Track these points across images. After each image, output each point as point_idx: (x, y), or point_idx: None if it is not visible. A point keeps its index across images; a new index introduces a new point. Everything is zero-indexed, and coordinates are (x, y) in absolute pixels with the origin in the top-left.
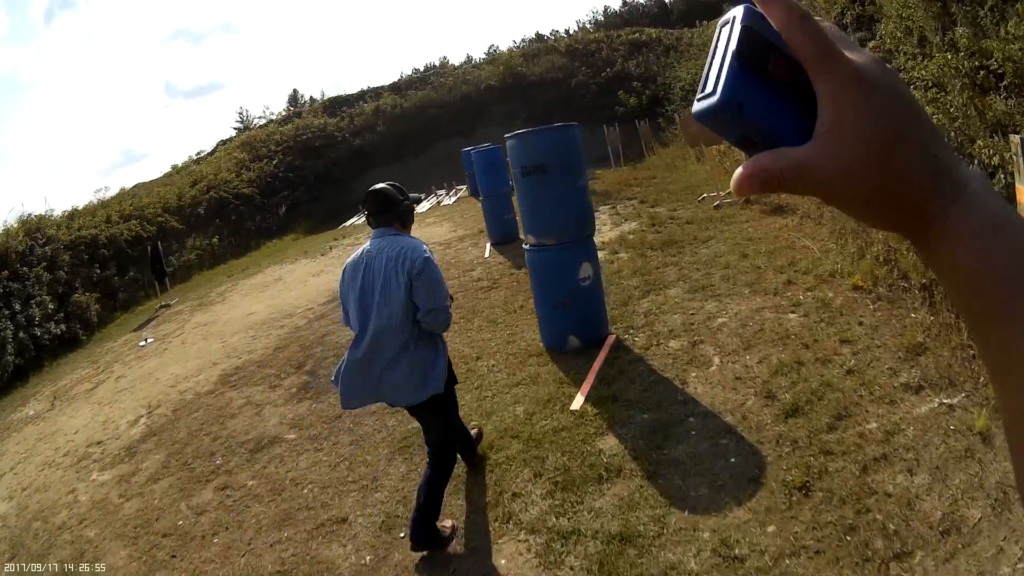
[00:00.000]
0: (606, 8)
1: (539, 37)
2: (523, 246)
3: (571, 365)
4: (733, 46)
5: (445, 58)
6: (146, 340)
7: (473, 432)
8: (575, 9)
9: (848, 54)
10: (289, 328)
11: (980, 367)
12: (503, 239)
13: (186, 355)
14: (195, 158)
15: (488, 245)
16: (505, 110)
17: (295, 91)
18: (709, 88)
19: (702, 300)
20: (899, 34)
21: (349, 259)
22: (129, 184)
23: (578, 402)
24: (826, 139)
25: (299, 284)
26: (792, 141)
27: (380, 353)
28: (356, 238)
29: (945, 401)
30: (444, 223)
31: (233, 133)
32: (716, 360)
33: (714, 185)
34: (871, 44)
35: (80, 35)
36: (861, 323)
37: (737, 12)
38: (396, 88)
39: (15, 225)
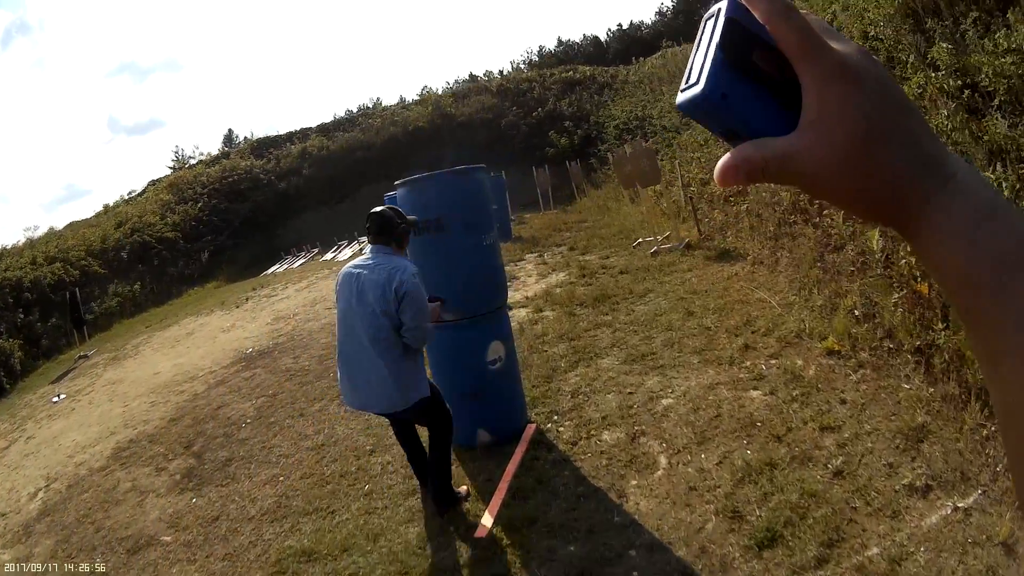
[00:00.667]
0: (541, 48)
1: (472, 78)
2: None
3: (481, 467)
4: (717, 38)
5: (378, 99)
6: (59, 396)
7: (461, 491)
8: (510, 50)
9: (833, 44)
10: (188, 395)
11: (996, 450)
12: None
13: (89, 419)
14: (126, 198)
15: None
16: (433, 153)
17: (230, 131)
18: (693, 79)
19: (642, 373)
20: None
21: (347, 266)
22: (63, 222)
23: (486, 524)
24: (811, 130)
25: (208, 340)
26: (777, 132)
27: (365, 363)
28: (274, 288)
29: (959, 504)
30: (330, 279)
31: (168, 172)
32: (663, 460)
33: (650, 228)
34: None
35: (33, 62)
36: (844, 400)
37: (722, 4)
38: (324, 129)
39: None
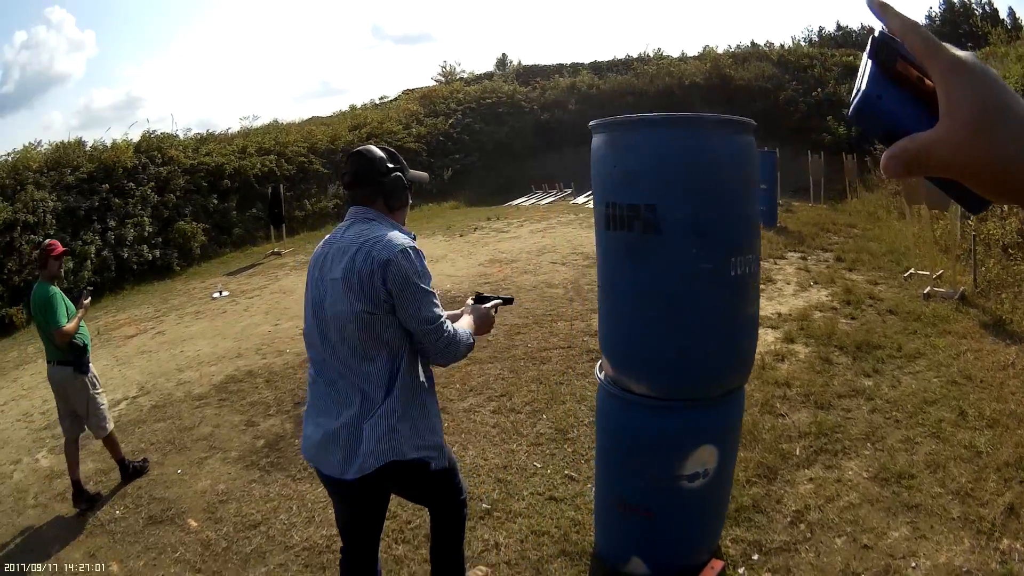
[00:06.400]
0: (821, 29)
1: (753, 44)
2: (597, 373)
3: None
4: (870, 51)
5: (659, 49)
6: (220, 292)
7: None
8: (790, 26)
9: (950, 49)
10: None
11: None
12: None
13: (231, 329)
14: (376, 102)
15: None
16: (706, 111)
17: (504, 55)
18: (856, 87)
19: (890, 510)
20: None
21: (316, 249)
22: (309, 115)
23: None
24: (944, 119)
25: None
26: (925, 129)
27: (332, 397)
28: (508, 223)
29: None
30: (573, 226)
31: (432, 84)
32: None
33: (921, 259)
34: None
35: None
36: None
37: (875, 32)
38: (596, 68)
39: (125, 140)
